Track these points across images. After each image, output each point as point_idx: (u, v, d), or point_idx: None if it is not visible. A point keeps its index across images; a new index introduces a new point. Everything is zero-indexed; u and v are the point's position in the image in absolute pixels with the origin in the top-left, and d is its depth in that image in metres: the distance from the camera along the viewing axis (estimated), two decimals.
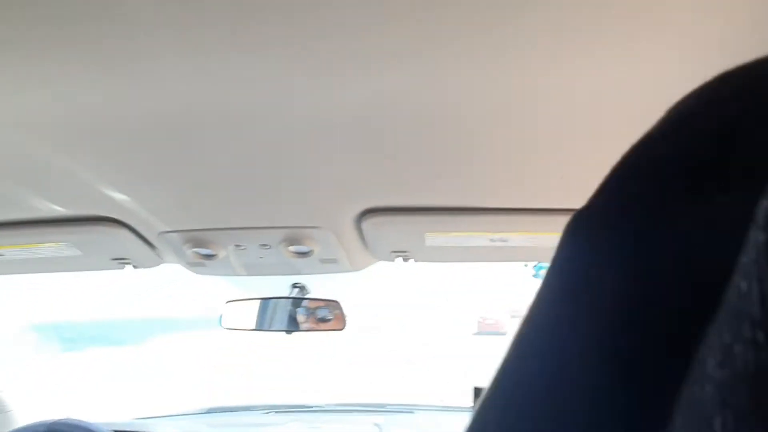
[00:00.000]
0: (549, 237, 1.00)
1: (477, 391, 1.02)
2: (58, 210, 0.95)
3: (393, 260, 1.12)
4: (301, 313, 1.30)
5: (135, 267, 1.14)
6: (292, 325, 1.30)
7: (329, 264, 1.13)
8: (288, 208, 0.96)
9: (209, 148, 0.75)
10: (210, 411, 1.99)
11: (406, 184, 0.88)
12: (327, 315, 1.29)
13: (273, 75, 0.59)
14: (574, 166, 0.77)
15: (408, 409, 1.91)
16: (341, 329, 1.29)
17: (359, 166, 0.81)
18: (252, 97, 0.63)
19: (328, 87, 0.61)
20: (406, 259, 1.12)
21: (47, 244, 1.02)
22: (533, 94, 0.62)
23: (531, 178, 0.84)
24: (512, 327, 0.23)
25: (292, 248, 1.05)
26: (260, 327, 1.33)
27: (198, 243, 1.03)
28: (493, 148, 0.76)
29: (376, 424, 1.61)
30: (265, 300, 1.32)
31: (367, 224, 0.97)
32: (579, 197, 0.22)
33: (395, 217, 0.95)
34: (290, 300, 1.30)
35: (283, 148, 0.75)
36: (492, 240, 1.00)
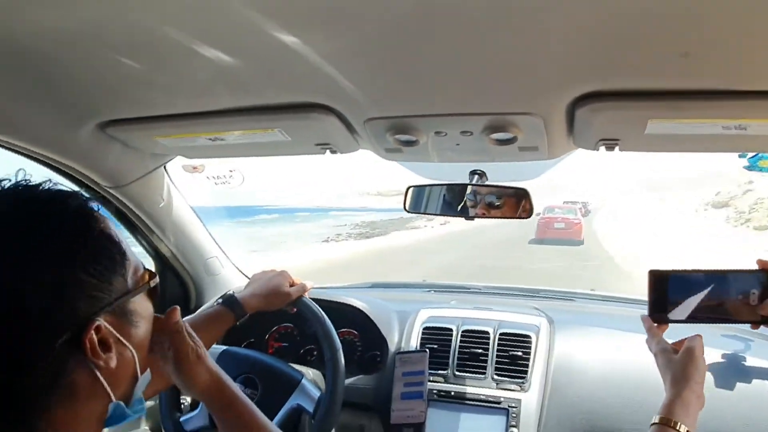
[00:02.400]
0: None
1: (652, 274, 0.98)
2: (275, 98, 1.00)
3: (597, 149, 1.06)
4: (485, 200, 1.31)
5: (333, 152, 1.20)
6: (474, 211, 1.32)
7: (528, 152, 1.10)
8: (498, 94, 0.92)
9: (424, 37, 0.72)
10: (374, 286, 2.16)
11: (636, 66, 0.80)
12: (511, 202, 1.28)
13: None
14: None
15: (568, 296, 1.92)
16: (527, 218, 1.28)
17: (584, 46, 0.74)
18: None
19: None
20: (611, 148, 1.05)
21: (263, 131, 1.10)
22: None
23: None
24: None
25: (494, 135, 1.03)
26: (442, 212, 1.36)
27: (400, 129, 1.05)
28: (754, 20, 0.65)
29: (536, 308, 1.64)
30: (448, 185, 1.34)
31: (583, 110, 0.91)
32: None
33: (616, 103, 0.88)
34: (473, 186, 1.30)
35: (497, 30, 0.70)
36: (725, 127, 0.90)
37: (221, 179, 1.50)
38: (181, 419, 1.31)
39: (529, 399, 1.35)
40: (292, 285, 1.28)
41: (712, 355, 1.33)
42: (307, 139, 1.14)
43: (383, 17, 0.68)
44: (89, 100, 1.02)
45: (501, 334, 1.47)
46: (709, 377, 1.27)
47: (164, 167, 1.46)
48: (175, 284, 1.77)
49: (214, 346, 1.40)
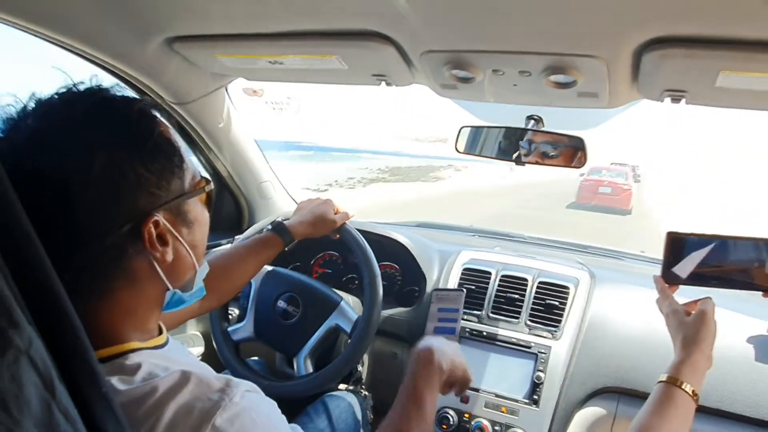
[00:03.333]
0: None
1: (669, 235, 0.97)
2: (337, 23, 1.00)
3: (662, 100, 1.01)
4: (540, 148, 1.28)
5: (388, 84, 1.20)
6: (528, 157, 1.30)
7: (587, 98, 1.06)
8: (561, 33, 0.88)
9: None
10: (420, 225, 2.18)
11: (714, 9, 0.74)
12: (566, 152, 1.25)
13: None
14: None
15: (615, 254, 1.88)
16: (580, 167, 1.25)
17: None
18: None
19: None
20: (677, 100, 1.00)
21: (321, 56, 1.10)
22: None
23: None
24: None
25: (553, 77, 1.00)
26: (494, 154, 1.35)
27: (458, 65, 1.03)
28: None
29: (579, 262, 1.62)
30: (502, 128, 1.32)
31: (651, 56, 0.86)
32: None
33: (687, 50, 0.83)
34: (528, 131, 1.27)
35: None
36: None
37: (278, 105, 1.54)
38: (229, 329, 1.42)
39: (559, 347, 1.36)
40: (336, 213, 1.32)
41: (757, 327, 1.30)
42: (363, 69, 1.14)
43: None
44: (157, 15, 1.06)
45: (540, 283, 1.47)
46: (750, 350, 1.25)
47: (225, 89, 1.51)
48: (231, 203, 1.86)
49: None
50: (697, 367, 0.87)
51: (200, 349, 1.73)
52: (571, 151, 1.28)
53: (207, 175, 1.05)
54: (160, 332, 0.72)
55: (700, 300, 0.94)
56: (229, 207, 1.86)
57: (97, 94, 0.64)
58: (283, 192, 1.95)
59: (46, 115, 0.61)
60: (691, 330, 0.90)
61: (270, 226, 1.24)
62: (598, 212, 13.77)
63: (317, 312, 1.37)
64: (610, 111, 1.12)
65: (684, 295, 0.96)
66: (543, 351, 1.37)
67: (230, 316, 1.49)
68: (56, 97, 0.62)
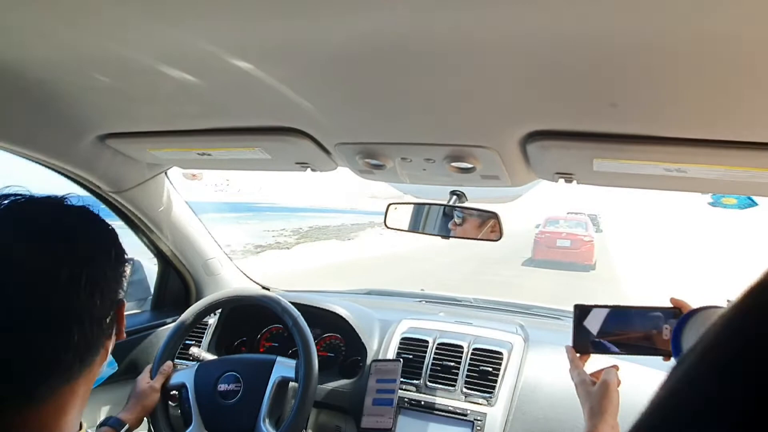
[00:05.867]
0: (734, 171, 0.91)
1: (576, 307, 1.05)
2: (256, 121, 1.08)
3: (556, 181, 1.11)
4: (459, 221, 1.37)
5: (313, 170, 1.28)
6: (449, 231, 1.38)
7: (490, 180, 1.15)
8: (455, 128, 0.98)
9: (388, 75, 0.79)
10: (369, 292, 2.23)
11: (576, 109, 0.85)
12: (484, 224, 1.34)
13: (449, 4, 0.59)
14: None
15: (556, 314, 1.94)
16: (497, 240, 1.33)
17: (528, 90, 0.79)
18: (428, 25, 0.64)
19: (503, 15, 0.60)
20: (569, 181, 1.10)
21: (245, 149, 1.18)
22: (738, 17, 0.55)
23: (715, 108, 0.76)
24: None
25: (454, 164, 1.09)
26: (419, 229, 1.43)
27: (369, 154, 1.12)
28: (675, 76, 0.69)
29: (520, 325, 1.68)
30: (425, 205, 1.40)
31: (533, 146, 0.96)
32: None
33: (561, 142, 0.93)
34: (450, 207, 1.36)
35: (455, 73, 0.77)
36: (668, 170, 0.94)
37: (219, 186, 1.60)
38: None
39: (494, 413, 1.40)
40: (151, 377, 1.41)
41: None
42: (286, 158, 1.22)
43: (350, 60, 0.76)
44: (88, 116, 1.13)
45: (474, 349, 1.52)
46: None
47: (165, 174, 1.57)
48: (177, 281, 1.88)
49: (190, 363, 1.51)
50: None
51: None
52: (489, 223, 1.37)
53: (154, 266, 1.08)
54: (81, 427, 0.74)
55: (604, 370, 1.00)
56: (176, 285, 1.88)
57: (58, 206, 0.68)
58: (231, 267, 1.99)
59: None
60: (596, 400, 0.94)
61: (102, 421, 1.28)
62: (558, 269, 12.50)
63: (259, 377, 1.39)
64: None
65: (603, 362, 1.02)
66: (479, 418, 1.40)
67: (172, 423, 1.46)
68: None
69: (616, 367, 1.00)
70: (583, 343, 1.03)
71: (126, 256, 0.73)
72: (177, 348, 1.50)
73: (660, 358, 1.00)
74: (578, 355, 1.04)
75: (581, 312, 1.04)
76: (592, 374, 1.00)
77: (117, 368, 0.85)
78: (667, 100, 0.76)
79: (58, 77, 0.94)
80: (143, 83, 0.93)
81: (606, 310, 1.03)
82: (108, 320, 0.68)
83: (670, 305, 0.99)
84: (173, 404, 1.45)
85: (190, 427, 1.39)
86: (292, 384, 1.39)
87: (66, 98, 1.04)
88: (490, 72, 0.75)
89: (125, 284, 0.73)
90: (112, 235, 0.72)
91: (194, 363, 1.49)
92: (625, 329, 1.02)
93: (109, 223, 0.73)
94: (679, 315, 0.96)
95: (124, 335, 0.77)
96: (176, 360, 1.48)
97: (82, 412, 0.72)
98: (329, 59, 0.76)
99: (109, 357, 0.80)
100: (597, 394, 0.95)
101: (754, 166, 0.86)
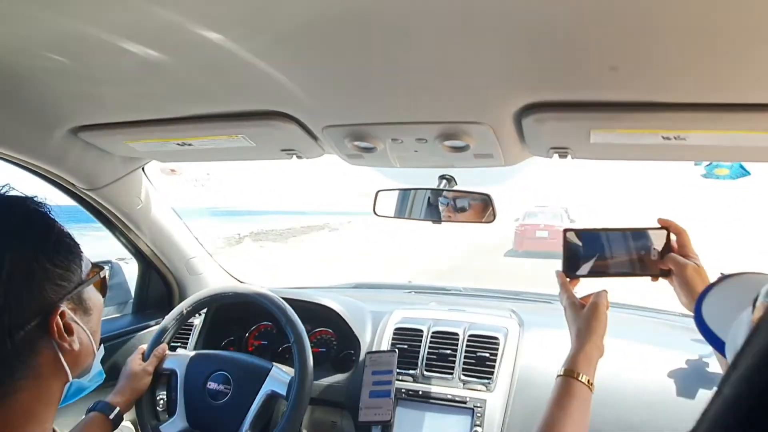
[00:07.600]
0: (735, 135, 0.90)
1: (565, 231, 1.04)
2: (238, 105, 1.03)
3: (551, 156, 1.08)
4: (450, 204, 1.33)
5: (299, 157, 1.24)
6: (440, 216, 1.35)
7: (483, 159, 1.12)
8: (447, 104, 0.95)
9: (374, 49, 0.76)
10: (357, 286, 2.19)
11: (572, 79, 0.82)
12: (477, 207, 1.31)
13: None
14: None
15: (546, 299, 1.93)
16: (491, 222, 1.31)
17: (522, 59, 0.77)
18: None
19: None
20: (563, 156, 1.08)
21: (227, 137, 1.13)
22: None
23: (720, 69, 0.74)
24: None
25: (447, 143, 1.05)
26: (409, 215, 1.39)
27: (358, 137, 1.08)
28: (678, 36, 0.67)
29: (512, 311, 1.66)
30: (415, 190, 1.37)
31: (528, 120, 0.93)
32: None
33: (558, 113, 0.91)
34: (440, 191, 1.33)
35: (444, 44, 0.73)
36: (665, 138, 0.92)
37: (199, 181, 1.54)
38: (160, 427, 1.35)
39: (494, 399, 1.37)
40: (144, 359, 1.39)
41: (677, 359, 1.35)
42: (271, 145, 1.17)
43: (335, 33, 0.71)
44: (57, 106, 1.06)
45: (470, 336, 1.49)
46: (671, 383, 1.29)
47: (142, 169, 1.50)
48: (158, 282, 1.81)
49: (186, 351, 1.46)
50: (590, 357, 0.91)
51: None
52: (481, 206, 1.34)
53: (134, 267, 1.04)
54: None
55: (594, 293, 1.00)
56: (158, 286, 1.81)
57: None
58: (214, 266, 1.93)
59: None
60: (584, 322, 0.95)
61: (91, 406, 1.23)
62: (538, 258, 12.71)
63: (250, 384, 1.34)
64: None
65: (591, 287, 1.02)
66: (479, 405, 1.37)
67: (158, 408, 1.42)
68: None
69: (605, 291, 1.00)
70: (573, 267, 1.02)
71: (71, 256, 0.68)
72: (173, 334, 1.48)
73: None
74: (568, 279, 1.02)
75: (570, 237, 1.03)
76: (581, 299, 1.00)
77: (104, 378, 0.80)
78: (669, 61, 0.73)
79: (17, 61, 0.87)
80: (109, 63, 0.86)
81: (595, 234, 1.02)
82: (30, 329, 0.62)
83: (658, 225, 0.99)
84: (162, 390, 1.42)
85: (173, 417, 1.35)
86: (282, 400, 1.34)
87: (30, 86, 0.97)
88: (480, 39, 0.71)
89: (72, 288, 0.68)
90: (50, 230, 0.66)
91: (188, 352, 1.45)
92: (615, 251, 1.01)
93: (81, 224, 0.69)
94: (667, 235, 0.97)
95: (95, 346, 0.73)
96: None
97: (47, 426, 0.67)
98: (303, 28, 0.71)
99: (98, 368, 0.77)
100: (586, 316, 0.95)
101: (758, 130, 0.85)
